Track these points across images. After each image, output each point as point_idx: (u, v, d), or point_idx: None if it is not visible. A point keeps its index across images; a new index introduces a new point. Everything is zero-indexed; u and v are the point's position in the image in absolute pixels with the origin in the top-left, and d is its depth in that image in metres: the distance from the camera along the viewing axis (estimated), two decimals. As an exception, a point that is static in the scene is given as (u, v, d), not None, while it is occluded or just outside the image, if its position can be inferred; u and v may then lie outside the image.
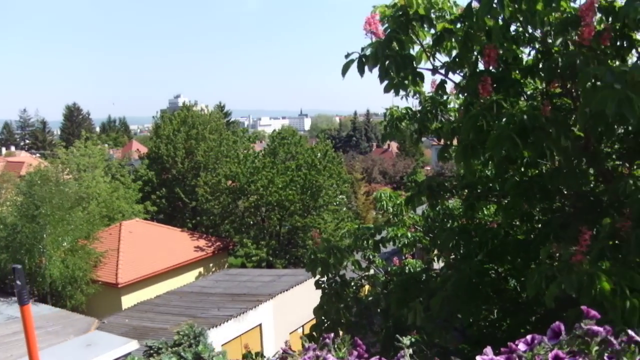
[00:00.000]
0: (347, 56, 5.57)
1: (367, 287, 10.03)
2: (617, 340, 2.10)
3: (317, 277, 8.49)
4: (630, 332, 2.22)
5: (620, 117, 4.49)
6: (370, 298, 8.98)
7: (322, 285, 8.60)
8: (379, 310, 8.81)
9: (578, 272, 4.69)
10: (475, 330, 8.21)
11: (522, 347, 2.02)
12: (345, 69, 5.56)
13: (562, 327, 2.02)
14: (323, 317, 8.57)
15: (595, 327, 2.13)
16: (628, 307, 4.64)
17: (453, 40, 6.11)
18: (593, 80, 4.88)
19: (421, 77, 5.87)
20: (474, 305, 6.61)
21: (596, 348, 2.05)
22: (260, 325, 23.68)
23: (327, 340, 2.60)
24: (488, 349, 2.07)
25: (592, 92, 4.72)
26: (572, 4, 5.72)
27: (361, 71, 5.55)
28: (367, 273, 10.04)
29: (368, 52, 5.53)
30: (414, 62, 6.24)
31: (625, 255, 5.10)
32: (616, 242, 5.28)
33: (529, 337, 2.01)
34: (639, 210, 4.98)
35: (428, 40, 6.30)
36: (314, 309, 8.69)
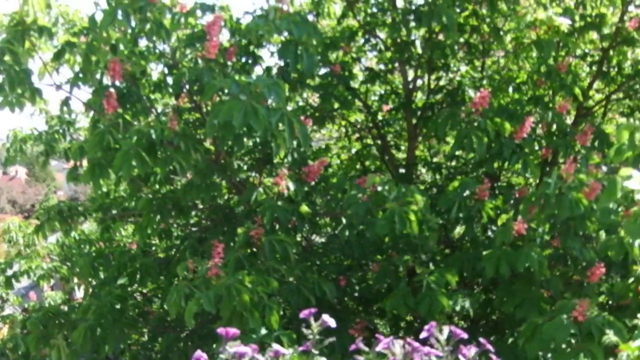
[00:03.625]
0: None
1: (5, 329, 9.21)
2: (264, 357, 2.02)
3: None
4: (275, 346, 2.19)
5: (248, 127, 4.59)
6: (7, 343, 8.13)
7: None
8: (19, 354, 8.02)
9: (216, 286, 4.69)
10: (128, 356, 7.92)
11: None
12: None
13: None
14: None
15: (243, 348, 2.02)
16: (268, 313, 4.77)
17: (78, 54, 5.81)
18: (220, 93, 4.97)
19: (39, 93, 5.42)
20: (118, 331, 6.32)
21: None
22: None
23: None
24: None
25: (220, 104, 4.78)
26: (200, 21, 5.76)
27: (-37, 86, 4.95)
28: (2, 314, 9.20)
29: (-28, 65, 4.96)
30: (38, 77, 5.80)
31: (260, 262, 5.25)
32: (253, 250, 5.42)
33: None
34: (270, 217, 5.17)
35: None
36: None
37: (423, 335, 2.19)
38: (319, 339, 2.32)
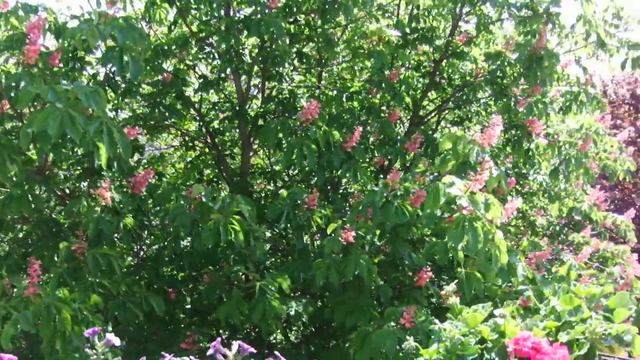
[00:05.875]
0: None
1: None
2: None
3: None
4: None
5: (65, 136, 4.38)
6: None
7: None
8: None
9: (35, 306, 4.42)
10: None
11: None
12: None
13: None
14: None
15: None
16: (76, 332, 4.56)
17: None
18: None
19: None
20: None
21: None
22: None
23: None
24: None
25: (36, 112, 4.53)
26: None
27: None
28: None
29: None
30: None
31: (85, 277, 5.02)
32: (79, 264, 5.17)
33: None
34: (94, 230, 4.94)
35: None
36: None
37: (210, 352, 2.15)
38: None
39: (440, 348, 2.92)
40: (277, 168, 7.34)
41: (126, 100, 6.49)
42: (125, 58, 4.94)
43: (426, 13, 7.15)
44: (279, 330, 6.54)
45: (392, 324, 4.71)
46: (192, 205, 5.00)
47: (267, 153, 7.21)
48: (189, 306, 6.23)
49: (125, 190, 5.37)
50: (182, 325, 6.09)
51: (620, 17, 6.77)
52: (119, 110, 6.54)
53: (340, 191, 6.99)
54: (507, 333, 3.07)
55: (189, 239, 5.42)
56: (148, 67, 6.21)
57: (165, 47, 6.30)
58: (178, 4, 6.15)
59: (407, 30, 6.68)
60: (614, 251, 7.70)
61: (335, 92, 6.64)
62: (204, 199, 4.91)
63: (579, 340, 3.20)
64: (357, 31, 6.58)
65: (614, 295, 3.60)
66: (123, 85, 5.99)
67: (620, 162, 8.00)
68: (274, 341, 7.35)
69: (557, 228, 8.08)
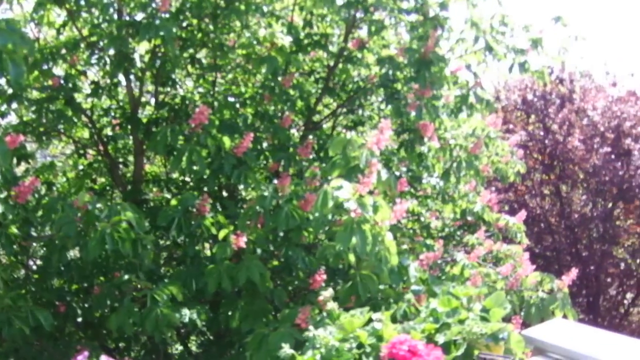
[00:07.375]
0: None
1: None
2: None
3: None
4: None
5: None
6: None
7: None
8: None
9: None
10: None
11: None
12: None
13: None
14: None
15: None
16: None
17: None
18: None
19: None
20: None
21: None
22: None
23: None
24: None
25: None
26: None
27: None
28: None
29: None
30: None
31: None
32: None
33: None
34: None
35: None
36: None
37: (76, 366, 2.11)
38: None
39: (316, 355, 2.94)
40: (174, 175, 7.24)
41: (14, 105, 6.27)
42: (6, 62, 4.76)
43: (320, 19, 7.20)
44: (178, 341, 6.45)
45: (289, 325, 4.70)
46: (79, 215, 4.88)
47: (163, 160, 7.10)
48: (80, 319, 6.06)
49: (9, 200, 5.17)
50: (74, 339, 5.91)
51: (505, 23, 6.97)
52: (6, 116, 6.32)
53: (238, 197, 6.96)
54: (385, 337, 3.12)
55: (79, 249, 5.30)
56: (36, 72, 6.04)
57: (55, 51, 6.14)
58: (68, 6, 5.99)
59: (301, 35, 6.72)
60: (507, 252, 7.91)
61: (229, 98, 6.60)
62: (90, 208, 4.81)
63: (457, 341, 3.30)
64: (251, 37, 6.55)
65: (490, 296, 3.73)
66: (10, 91, 5.80)
67: (511, 165, 8.26)
68: (173, 352, 7.24)
69: (452, 230, 8.26)
